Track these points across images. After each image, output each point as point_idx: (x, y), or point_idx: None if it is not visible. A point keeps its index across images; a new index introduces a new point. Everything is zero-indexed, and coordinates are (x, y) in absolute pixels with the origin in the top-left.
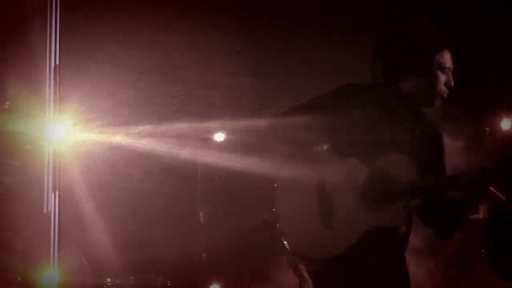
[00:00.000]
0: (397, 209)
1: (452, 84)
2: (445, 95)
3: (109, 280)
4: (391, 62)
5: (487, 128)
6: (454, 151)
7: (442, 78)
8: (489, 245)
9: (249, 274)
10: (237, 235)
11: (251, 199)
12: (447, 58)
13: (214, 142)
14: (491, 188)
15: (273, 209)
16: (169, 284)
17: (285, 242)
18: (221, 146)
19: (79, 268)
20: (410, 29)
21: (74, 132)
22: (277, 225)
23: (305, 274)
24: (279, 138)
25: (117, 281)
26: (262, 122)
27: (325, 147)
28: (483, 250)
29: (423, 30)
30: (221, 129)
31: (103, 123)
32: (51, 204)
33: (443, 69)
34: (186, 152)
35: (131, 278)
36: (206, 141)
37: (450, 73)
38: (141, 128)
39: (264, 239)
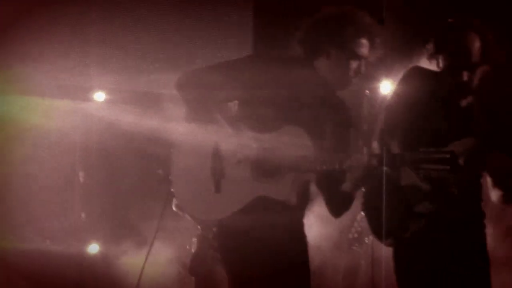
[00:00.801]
0: (286, 182)
1: (362, 71)
2: (353, 80)
3: None
4: (309, 42)
5: (367, 91)
6: None
7: (353, 65)
8: (368, 208)
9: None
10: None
11: (136, 158)
12: (361, 47)
13: (95, 101)
14: None
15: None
16: (48, 243)
17: (176, 203)
18: (101, 106)
19: None
20: (332, 14)
21: None
22: (171, 189)
23: None
24: (183, 97)
25: None
26: (142, 80)
27: (226, 113)
28: (362, 213)
29: (343, 16)
30: (101, 88)
31: None
32: None
33: (355, 56)
34: (65, 111)
35: (11, 237)
36: (86, 100)
37: (363, 61)
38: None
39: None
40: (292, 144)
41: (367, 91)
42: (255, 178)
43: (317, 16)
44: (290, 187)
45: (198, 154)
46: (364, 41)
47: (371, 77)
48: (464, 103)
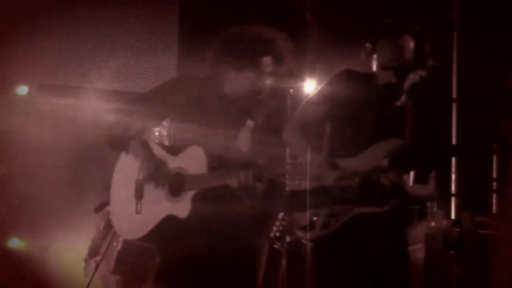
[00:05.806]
0: (185, 200)
1: (266, 89)
2: (260, 94)
3: None
4: (213, 62)
5: (291, 90)
6: None
7: (256, 83)
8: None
9: None
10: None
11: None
12: (263, 66)
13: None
14: None
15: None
16: None
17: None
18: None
19: None
20: (233, 34)
21: None
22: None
23: None
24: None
25: None
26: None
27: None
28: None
29: (244, 36)
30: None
31: None
32: None
33: (255, 75)
34: None
35: None
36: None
37: (267, 78)
38: None
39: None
40: (190, 163)
41: (291, 90)
42: (164, 197)
43: (221, 36)
44: (187, 205)
45: (128, 175)
46: (266, 59)
47: (296, 77)
48: (394, 105)
